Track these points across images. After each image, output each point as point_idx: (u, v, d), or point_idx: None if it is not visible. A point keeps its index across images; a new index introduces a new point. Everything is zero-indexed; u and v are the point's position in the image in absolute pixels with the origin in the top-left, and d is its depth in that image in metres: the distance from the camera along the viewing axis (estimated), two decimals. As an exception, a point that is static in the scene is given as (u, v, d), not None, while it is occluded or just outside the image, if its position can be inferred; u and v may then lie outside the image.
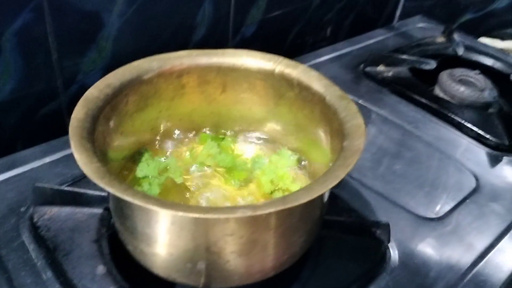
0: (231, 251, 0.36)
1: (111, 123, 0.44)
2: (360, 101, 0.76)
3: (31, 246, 0.47)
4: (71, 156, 0.57)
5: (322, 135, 0.46)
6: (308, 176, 0.49)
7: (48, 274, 0.45)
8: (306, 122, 0.48)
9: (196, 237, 0.35)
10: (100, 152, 0.39)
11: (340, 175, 0.35)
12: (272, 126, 0.52)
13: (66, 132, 0.65)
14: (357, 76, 0.83)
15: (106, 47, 0.65)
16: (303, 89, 0.48)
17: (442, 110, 0.74)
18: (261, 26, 0.83)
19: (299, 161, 0.51)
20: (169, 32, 0.70)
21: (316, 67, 0.84)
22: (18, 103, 0.60)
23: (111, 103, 0.43)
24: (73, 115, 0.39)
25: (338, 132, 0.42)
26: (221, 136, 0.53)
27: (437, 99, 0.77)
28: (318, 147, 0.47)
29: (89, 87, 0.65)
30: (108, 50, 0.66)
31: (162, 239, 0.37)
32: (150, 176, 0.46)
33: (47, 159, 0.58)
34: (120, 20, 0.64)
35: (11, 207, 0.51)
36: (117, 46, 0.66)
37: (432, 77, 0.84)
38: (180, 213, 0.31)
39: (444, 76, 0.82)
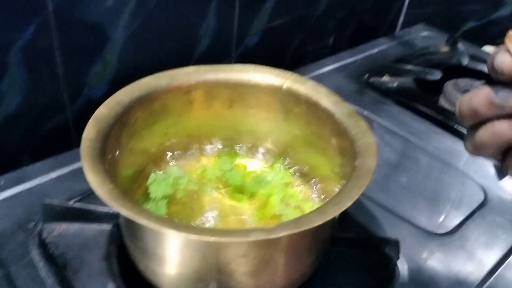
0: (243, 272, 0.36)
1: (121, 141, 0.44)
2: (365, 113, 0.76)
3: (40, 264, 0.47)
4: (78, 171, 0.59)
5: (331, 151, 0.46)
6: (317, 194, 0.49)
7: (57, 292, 0.44)
8: (314, 138, 0.48)
9: (209, 258, 0.35)
10: (111, 170, 0.39)
11: (353, 196, 0.35)
12: (280, 141, 0.52)
13: (72, 146, 0.67)
14: (361, 87, 0.83)
15: (112, 61, 0.65)
16: (311, 105, 0.48)
17: (447, 122, 0.74)
18: (264, 37, 0.83)
19: (295, 172, 0.51)
20: (173, 44, 0.71)
21: (319, 78, 0.85)
22: (24, 117, 0.60)
23: (121, 121, 0.43)
24: (84, 135, 0.39)
25: (349, 150, 0.42)
26: (237, 153, 0.53)
27: (442, 110, 0.77)
28: (327, 163, 0.47)
29: (95, 100, 0.66)
30: (113, 64, 0.66)
31: (174, 260, 0.37)
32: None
33: (54, 174, 0.58)
34: (125, 34, 0.64)
35: (20, 224, 0.51)
36: (122, 59, 0.66)
37: (436, 87, 0.84)
38: (194, 237, 0.31)
39: (449, 86, 0.82)
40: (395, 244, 0.50)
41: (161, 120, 0.49)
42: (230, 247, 0.34)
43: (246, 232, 0.31)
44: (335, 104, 0.46)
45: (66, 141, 0.66)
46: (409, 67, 0.84)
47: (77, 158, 0.59)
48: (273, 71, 0.50)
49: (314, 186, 0.50)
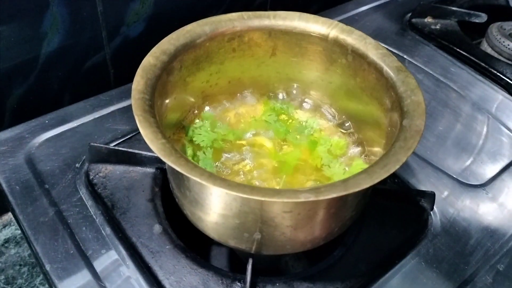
0: (287, 225, 0.38)
1: (167, 89, 0.44)
2: (405, 56, 0.74)
3: (89, 203, 0.50)
4: (119, 111, 0.60)
5: (376, 106, 0.46)
6: (360, 148, 0.49)
7: (107, 231, 0.47)
8: (359, 91, 0.48)
9: (256, 212, 0.36)
10: (159, 119, 0.40)
11: (401, 158, 0.35)
12: (323, 92, 0.52)
13: (110, 85, 0.68)
14: (403, 28, 0.80)
15: (149, -2, 0.64)
16: (357, 57, 0.47)
17: (490, 69, 0.72)
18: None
19: (338, 124, 0.51)
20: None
21: (359, 17, 0.82)
22: (65, 55, 0.61)
23: (167, 70, 0.43)
24: (133, 86, 0.39)
25: (396, 107, 0.41)
26: (283, 106, 0.53)
27: (485, 56, 0.75)
28: (371, 118, 0.47)
29: (132, 39, 0.66)
30: (150, 2, 0.65)
31: (221, 212, 0.38)
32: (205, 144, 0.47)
33: (97, 114, 0.59)
34: (164, -30, 0.62)
35: (67, 162, 0.53)
36: (160, -4, 0.65)
37: (481, 30, 0.80)
38: (245, 196, 0.32)
39: (493, 29, 0.78)
40: (431, 197, 0.51)
41: (204, 68, 0.49)
42: (277, 204, 0.35)
43: (296, 192, 0.32)
44: (383, 57, 0.44)
45: (104, 80, 0.67)
46: (454, 8, 0.80)
47: (117, 98, 0.62)
48: (319, 19, 0.49)
49: (356, 139, 0.50)
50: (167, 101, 0.45)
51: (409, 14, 0.82)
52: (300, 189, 0.33)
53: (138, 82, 0.40)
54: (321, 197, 0.32)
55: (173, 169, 0.41)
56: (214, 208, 0.38)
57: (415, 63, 0.73)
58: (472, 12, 0.79)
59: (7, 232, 0.67)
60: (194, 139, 0.48)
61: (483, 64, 0.72)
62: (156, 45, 0.44)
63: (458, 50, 0.74)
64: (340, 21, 0.78)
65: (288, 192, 0.33)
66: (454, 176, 0.58)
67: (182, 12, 0.69)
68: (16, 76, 0.58)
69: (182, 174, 0.37)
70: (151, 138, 0.35)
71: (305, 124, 0.51)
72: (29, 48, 0.57)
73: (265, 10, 0.80)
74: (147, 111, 0.38)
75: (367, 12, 0.83)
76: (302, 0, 0.86)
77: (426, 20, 0.80)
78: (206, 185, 0.33)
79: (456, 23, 0.80)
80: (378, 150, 0.46)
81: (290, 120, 0.52)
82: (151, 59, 0.42)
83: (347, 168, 0.47)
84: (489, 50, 0.78)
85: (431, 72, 0.72)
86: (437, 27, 0.79)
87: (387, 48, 0.71)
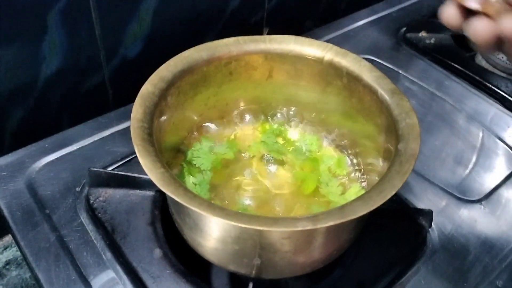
0: (286, 251, 0.38)
1: (165, 115, 0.45)
2: (400, 71, 0.75)
3: (89, 227, 0.50)
4: (118, 133, 0.61)
5: (371, 128, 0.46)
6: (355, 168, 0.50)
7: (108, 255, 0.48)
8: (355, 113, 0.48)
9: (255, 239, 0.37)
10: (157, 144, 0.40)
11: (397, 184, 0.35)
12: (319, 113, 0.53)
13: (109, 106, 0.68)
14: (398, 43, 0.81)
15: (146, 19, 0.65)
16: (352, 80, 0.47)
17: (485, 82, 0.73)
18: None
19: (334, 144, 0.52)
20: (206, 1, 0.69)
21: (354, 32, 0.83)
22: (64, 77, 0.61)
23: (165, 96, 0.44)
24: (132, 115, 0.40)
25: (391, 130, 0.42)
26: (281, 127, 0.54)
27: (480, 69, 0.75)
28: (367, 139, 0.47)
29: (130, 59, 0.67)
30: (148, 22, 0.65)
31: (221, 238, 0.39)
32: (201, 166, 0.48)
33: (96, 137, 0.60)
34: (160, -8, 0.63)
35: (67, 187, 0.54)
36: (157, 18, 0.66)
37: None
38: (244, 225, 0.32)
39: (487, 42, 0.79)
40: (429, 215, 0.51)
41: (202, 91, 0.49)
42: (275, 232, 0.36)
43: (293, 221, 0.33)
44: (378, 80, 0.45)
45: (103, 102, 0.68)
46: (447, 22, 0.81)
47: (116, 120, 0.62)
48: (314, 43, 0.49)
49: (353, 160, 0.51)
50: (165, 126, 0.45)
51: (404, 29, 0.83)
52: (298, 217, 0.33)
53: (137, 111, 0.40)
54: (319, 225, 0.32)
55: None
56: (213, 235, 0.39)
57: (410, 77, 0.74)
58: (465, 25, 0.80)
59: (8, 254, 0.67)
60: (194, 162, 0.49)
61: (477, 77, 0.73)
62: (154, 73, 0.44)
63: (452, 64, 0.75)
64: (336, 37, 0.80)
65: (286, 221, 0.33)
66: (451, 191, 0.58)
67: (178, 31, 0.70)
68: (15, 99, 0.59)
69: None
70: (150, 167, 0.36)
71: (304, 145, 0.52)
72: (28, 71, 0.58)
73: (261, 27, 0.82)
74: (146, 140, 0.38)
75: (362, 27, 0.84)
76: (298, 17, 0.87)
77: (420, 34, 0.80)
78: (205, 214, 0.33)
79: (450, 37, 0.80)
80: (374, 171, 0.46)
81: (288, 141, 0.52)
82: (149, 87, 0.43)
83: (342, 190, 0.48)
84: (483, 63, 0.78)
85: (426, 86, 0.73)
86: (431, 41, 0.79)
87: (382, 63, 0.73)
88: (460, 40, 0.81)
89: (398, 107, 0.43)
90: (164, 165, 0.37)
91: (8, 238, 0.67)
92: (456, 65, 0.75)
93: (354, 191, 0.47)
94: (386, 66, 0.75)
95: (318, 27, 0.83)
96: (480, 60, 0.79)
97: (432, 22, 0.82)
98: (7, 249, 0.67)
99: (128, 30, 0.64)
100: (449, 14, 0.34)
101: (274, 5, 0.80)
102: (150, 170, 0.36)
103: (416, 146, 0.39)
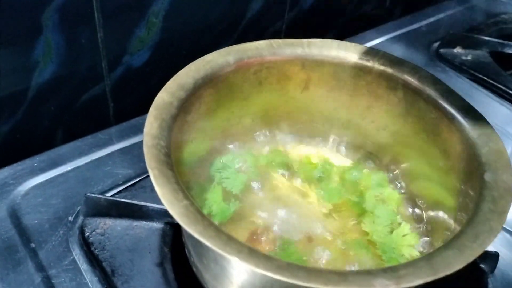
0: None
1: (184, 132, 0.36)
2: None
3: (83, 267, 0.41)
4: (119, 152, 0.52)
5: (433, 152, 0.38)
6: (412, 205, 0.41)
7: (105, 304, 0.38)
8: (411, 134, 0.40)
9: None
10: (176, 165, 0.32)
11: (495, 226, 0.27)
12: (363, 134, 0.44)
13: (109, 121, 0.60)
14: (431, 59, 0.73)
15: (156, 24, 0.57)
16: (410, 93, 0.39)
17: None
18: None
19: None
20: (222, 6, 0.62)
21: (380, 47, 0.74)
22: (59, 87, 0.54)
23: (184, 107, 0.35)
24: (146, 130, 0.31)
25: (467, 156, 0.34)
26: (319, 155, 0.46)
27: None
28: (427, 168, 0.39)
29: (135, 69, 0.58)
30: (157, 28, 0.58)
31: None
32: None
33: (94, 156, 0.51)
34: (173, -7, 0.56)
35: (58, 215, 0.45)
36: (168, 23, 0.58)
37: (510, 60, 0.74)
38: (303, 283, 0.23)
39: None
40: (494, 258, 0.43)
41: (225, 105, 0.41)
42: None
43: (367, 277, 0.24)
44: (445, 94, 0.37)
45: (103, 116, 0.59)
46: (486, 38, 0.74)
47: (117, 137, 0.54)
48: (361, 48, 0.41)
49: (406, 195, 0.42)
50: (183, 145, 0.37)
51: (436, 44, 0.75)
52: (372, 271, 0.24)
53: (152, 125, 0.32)
54: (403, 285, 0.24)
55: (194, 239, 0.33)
56: (238, 284, 0.30)
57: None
58: (505, 42, 0.73)
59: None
60: (224, 185, 0.40)
61: (522, 98, 0.66)
62: (172, 79, 0.36)
63: (494, 83, 0.68)
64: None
65: (358, 277, 0.24)
66: None
67: (190, 40, 0.62)
68: (1, 111, 0.50)
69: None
70: (170, 199, 0.27)
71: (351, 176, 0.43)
72: (17, 79, 0.50)
73: (280, 38, 0.74)
74: (163, 162, 0.29)
75: (389, 41, 0.77)
76: (318, 29, 0.80)
77: (455, 50, 0.73)
78: (246, 265, 0.25)
79: (488, 54, 0.73)
80: (440, 214, 0.37)
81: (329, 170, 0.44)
82: (166, 96, 0.34)
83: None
84: (524, 83, 0.71)
85: (467, 107, 0.65)
86: (468, 57, 0.72)
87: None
88: (499, 57, 0.73)
89: (476, 127, 0.34)
90: (186, 194, 0.28)
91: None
92: (498, 85, 0.67)
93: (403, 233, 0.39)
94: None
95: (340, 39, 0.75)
96: (521, 80, 0.72)
97: (467, 37, 0.75)
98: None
99: (135, 35, 0.56)
100: None
101: (294, 15, 0.73)
102: (171, 202, 0.27)
103: (509, 177, 0.30)
